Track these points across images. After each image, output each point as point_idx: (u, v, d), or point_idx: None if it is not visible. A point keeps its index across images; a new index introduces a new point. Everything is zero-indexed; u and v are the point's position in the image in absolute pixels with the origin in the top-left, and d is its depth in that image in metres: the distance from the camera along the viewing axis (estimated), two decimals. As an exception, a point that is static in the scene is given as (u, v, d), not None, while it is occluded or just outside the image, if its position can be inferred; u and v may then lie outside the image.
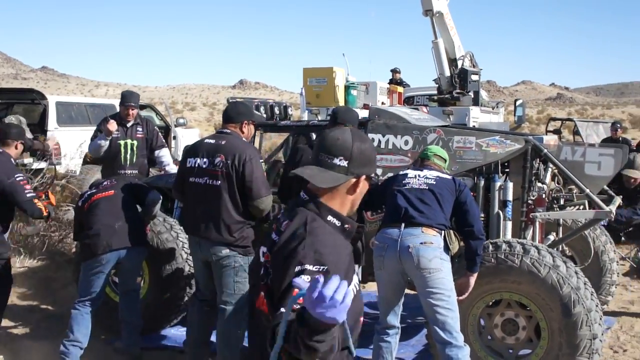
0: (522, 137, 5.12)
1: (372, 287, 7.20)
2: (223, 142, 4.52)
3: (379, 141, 5.20)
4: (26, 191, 5.06)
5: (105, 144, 6.68)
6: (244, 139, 4.67)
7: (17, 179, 5.03)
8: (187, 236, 5.06)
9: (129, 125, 6.89)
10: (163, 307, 5.52)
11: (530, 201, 5.12)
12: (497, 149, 4.97)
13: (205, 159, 4.52)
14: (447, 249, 4.32)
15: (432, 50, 10.65)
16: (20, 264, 7.76)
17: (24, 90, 12.93)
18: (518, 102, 12.84)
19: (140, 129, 7.01)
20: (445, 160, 4.62)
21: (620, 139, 12.61)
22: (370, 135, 5.21)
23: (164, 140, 7.43)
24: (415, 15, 10.64)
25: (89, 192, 5.19)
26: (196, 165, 4.54)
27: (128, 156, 6.85)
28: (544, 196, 5.23)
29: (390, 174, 4.86)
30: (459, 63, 10.61)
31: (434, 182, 4.32)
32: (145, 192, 5.28)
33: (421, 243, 4.07)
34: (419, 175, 4.38)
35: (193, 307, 4.83)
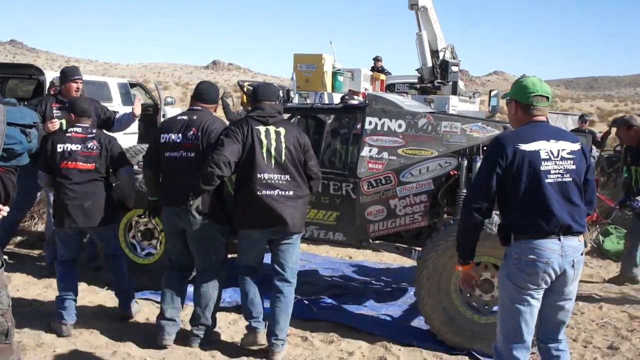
0: (501, 124, 5.86)
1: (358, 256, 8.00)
2: (195, 117, 4.98)
3: (376, 124, 5.90)
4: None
5: (42, 135, 6.22)
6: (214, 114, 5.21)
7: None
8: None
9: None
10: None
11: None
12: (479, 133, 5.70)
13: (179, 134, 4.93)
14: None
15: (416, 42, 11.38)
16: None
17: (22, 66, 13.40)
18: (493, 93, 13.65)
19: None
20: (548, 99, 3.76)
21: (587, 130, 13.49)
22: (368, 119, 5.92)
23: (110, 111, 7.16)
24: (401, 8, 11.27)
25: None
26: (170, 141, 4.94)
27: None
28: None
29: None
30: (441, 55, 11.35)
31: (574, 167, 3.67)
32: (118, 166, 5.48)
33: (580, 254, 3.73)
34: (553, 155, 3.63)
35: (171, 278, 5.17)
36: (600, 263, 8.60)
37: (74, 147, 5.33)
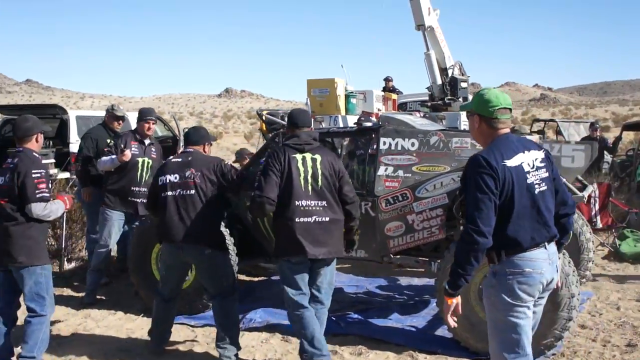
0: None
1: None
2: (190, 158, 5.39)
3: (390, 144, 6.20)
4: (37, 191, 4.79)
5: (115, 165, 7.06)
6: None
7: (33, 175, 4.80)
8: (226, 231, 6.13)
9: (146, 143, 7.34)
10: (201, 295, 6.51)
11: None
12: (489, 147, 5.96)
13: (175, 175, 5.32)
14: None
15: (425, 61, 11.63)
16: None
17: (47, 106, 13.89)
18: (503, 105, 13.87)
19: (154, 150, 7.44)
20: (511, 110, 3.74)
21: (598, 137, 13.68)
22: (382, 139, 6.21)
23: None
24: (408, 28, 11.57)
25: None
26: (168, 182, 5.33)
27: (144, 174, 7.20)
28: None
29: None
30: (449, 72, 11.59)
31: (547, 175, 3.68)
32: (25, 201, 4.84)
33: (558, 258, 3.78)
34: (530, 166, 3.60)
35: (159, 305, 5.57)
36: (618, 266, 8.78)
37: (0, 180, 4.93)
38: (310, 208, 4.95)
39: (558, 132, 16.19)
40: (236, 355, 5.33)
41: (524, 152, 3.62)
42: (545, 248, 3.61)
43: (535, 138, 6.23)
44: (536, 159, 3.64)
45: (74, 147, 12.05)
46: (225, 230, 6.06)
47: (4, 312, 5.00)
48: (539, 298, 3.67)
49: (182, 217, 5.24)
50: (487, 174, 3.47)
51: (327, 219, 5.01)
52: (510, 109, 3.71)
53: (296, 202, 4.92)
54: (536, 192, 3.58)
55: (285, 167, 4.95)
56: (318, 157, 5.06)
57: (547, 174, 3.67)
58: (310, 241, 4.92)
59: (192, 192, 5.25)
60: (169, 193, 5.30)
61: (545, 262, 3.59)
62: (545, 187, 3.63)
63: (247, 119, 67.27)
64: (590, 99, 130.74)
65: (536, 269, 3.56)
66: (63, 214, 5.05)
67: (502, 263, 3.58)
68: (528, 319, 3.63)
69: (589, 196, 7.70)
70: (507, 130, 3.69)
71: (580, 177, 6.67)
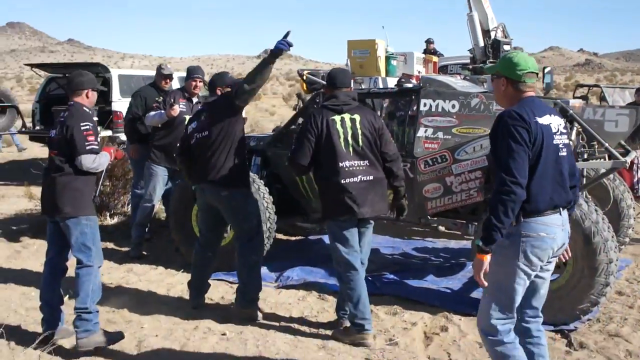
0: (551, 100, 6.06)
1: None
2: (204, 104, 5.67)
3: (430, 105, 6.17)
4: (87, 143, 4.83)
5: (163, 120, 7.24)
6: None
7: (82, 128, 4.83)
8: (265, 189, 6.33)
9: (194, 101, 7.43)
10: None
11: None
12: (530, 110, 5.90)
13: (195, 121, 5.57)
14: None
15: (467, 23, 11.45)
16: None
17: (90, 65, 14.03)
18: (546, 70, 13.57)
19: None
20: (537, 75, 3.73)
21: (644, 103, 13.32)
22: (423, 101, 6.19)
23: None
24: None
25: None
26: (191, 129, 5.57)
27: None
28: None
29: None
30: (492, 34, 11.41)
31: (567, 142, 3.69)
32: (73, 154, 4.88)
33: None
34: (557, 129, 3.59)
35: (197, 253, 5.79)
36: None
37: (52, 133, 5.01)
38: (354, 168, 4.96)
39: (602, 98, 15.84)
40: (248, 302, 5.49)
41: (550, 115, 3.61)
42: (560, 214, 3.59)
43: (578, 103, 6.15)
44: (560, 124, 3.63)
45: (116, 105, 12.26)
46: (253, 176, 6.26)
47: (55, 262, 5.13)
48: (546, 263, 3.64)
49: (202, 160, 5.45)
50: (521, 126, 3.44)
51: (371, 177, 5.01)
52: (537, 74, 3.68)
53: (340, 163, 4.94)
54: (559, 154, 3.58)
55: (323, 130, 4.95)
56: (357, 116, 5.04)
57: (567, 141, 3.66)
58: (357, 201, 4.94)
59: (206, 133, 5.41)
60: (192, 140, 5.52)
61: (558, 228, 3.58)
62: (565, 153, 3.62)
63: (285, 80, 67.11)
64: (637, 65, 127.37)
65: (550, 233, 3.54)
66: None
67: (517, 225, 3.52)
68: (526, 284, 3.60)
69: (632, 162, 7.59)
70: (533, 93, 3.67)
71: (623, 142, 6.56)
